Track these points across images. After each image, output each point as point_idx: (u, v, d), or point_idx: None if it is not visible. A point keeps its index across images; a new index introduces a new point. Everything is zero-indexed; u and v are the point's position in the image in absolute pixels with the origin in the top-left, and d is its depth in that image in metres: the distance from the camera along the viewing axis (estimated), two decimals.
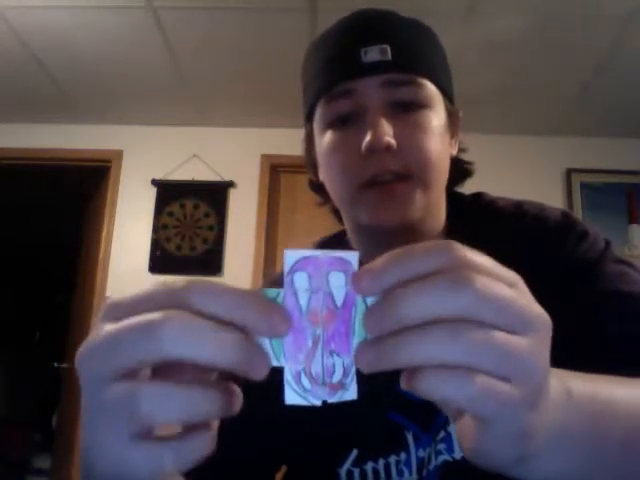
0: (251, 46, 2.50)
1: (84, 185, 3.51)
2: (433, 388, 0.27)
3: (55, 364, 3.88)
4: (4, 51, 2.58)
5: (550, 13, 2.22)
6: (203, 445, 0.29)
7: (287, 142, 3.11)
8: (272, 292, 0.30)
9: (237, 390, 0.30)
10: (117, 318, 0.29)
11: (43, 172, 3.57)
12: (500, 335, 0.27)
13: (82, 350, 0.29)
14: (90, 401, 0.29)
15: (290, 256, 0.29)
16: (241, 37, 2.43)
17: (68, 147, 3.20)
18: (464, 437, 0.31)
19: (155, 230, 3.07)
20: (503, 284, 0.28)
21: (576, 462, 0.34)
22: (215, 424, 0.31)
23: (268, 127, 3.18)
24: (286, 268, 0.30)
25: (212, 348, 0.27)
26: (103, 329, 0.29)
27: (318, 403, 0.30)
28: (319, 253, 0.29)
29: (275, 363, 0.29)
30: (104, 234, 3.11)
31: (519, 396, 0.28)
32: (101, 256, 3.07)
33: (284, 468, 0.70)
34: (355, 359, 0.29)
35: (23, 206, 4.60)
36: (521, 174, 3.00)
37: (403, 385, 0.28)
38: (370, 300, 0.29)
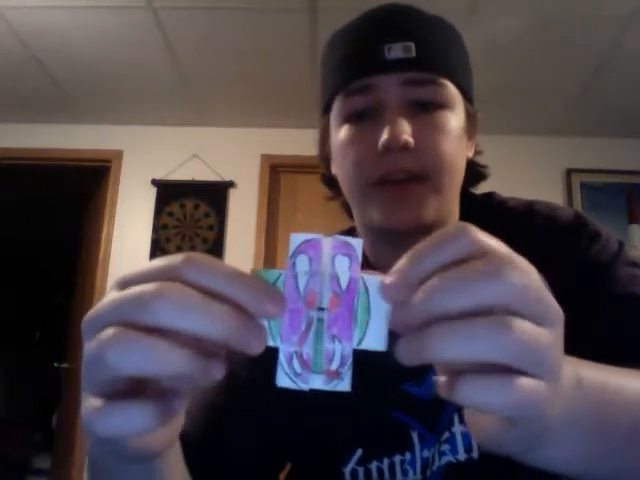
0: (251, 46, 2.50)
1: (84, 185, 3.51)
2: (475, 397, 0.27)
3: (55, 364, 3.87)
4: (4, 51, 2.58)
5: (550, 13, 2.22)
6: (159, 412, 0.28)
7: (287, 142, 3.11)
8: (272, 274, 0.30)
9: (218, 359, 0.29)
10: (121, 289, 0.30)
11: (43, 172, 3.56)
12: (539, 332, 0.27)
13: (86, 316, 0.30)
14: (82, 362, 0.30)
15: (294, 239, 0.30)
16: (241, 37, 2.43)
17: (68, 147, 3.20)
18: (480, 429, 0.31)
19: (155, 230, 3.07)
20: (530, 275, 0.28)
21: (584, 449, 0.34)
22: (186, 395, 0.31)
23: (268, 127, 3.18)
24: (290, 251, 0.30)
25: (200, 319, 0.27)
26: (106, 297, 0.30)
27: (306, 388, 0.29)
28: (322, 237, 0.30)
29: (271, 343, 0.29)
30: (104, 234, 3.10)
31: (547, 393, 0.28)
32: (101, 256, 3.07)
33: (287, 467, 0.70)
34: (397, 351, 0.28)
35: (23, 206, 4.59)
36: (521, 174, 3.00)
37: (442, 393, 0.28)
38: (373, 289, 0.29)
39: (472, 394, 0.27)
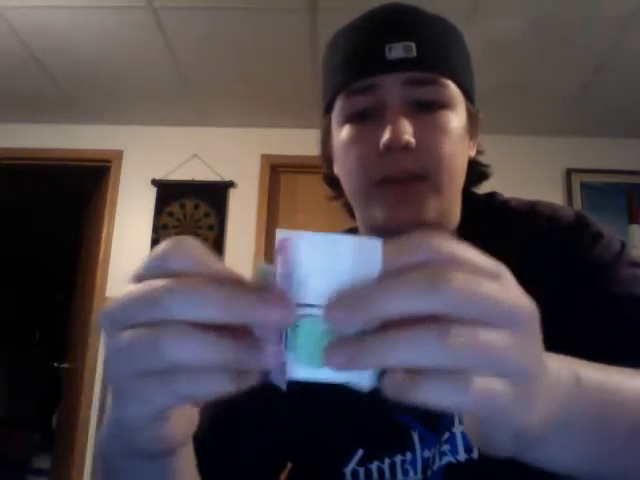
0: (251, 46, 2.50)
1: (84, 185, 3.51)
2: (428, 396, 0.26)
3: (55, 364, 3.88)
4: (4, 51, 2.58)
5: (550, 13, 2.22)
6: (219, 381, 0.28)
7: (287, 142, 3.11)
8: (264, 268, 0.30)
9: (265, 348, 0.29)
10: (137, 282, 0.30)
11: (43, 172, 3.57)
12: (484, 334, 0.26)
13: (104, 310, 0.30)
14: (108, 349, 0.30)
15: (278, 236, 0.29)
16: (241, 37, 2.43)
17: (68, 147, 3.20)
18: (470, 429, 0.32)
19: (155, 230, 3.07)
20: (484, 278, 0.27)
21: (584, 448, 0.34)
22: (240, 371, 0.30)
23: (268, 127, 3.18)
24: (275, 247, 0.30)
25: (219, 304, 0.27)
26: (123, 293, 0.30)
27: (282, 384, 0.29)
28: (304, 234, 0.29)
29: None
30: (104, 234, 3.10)
31: (511, 393, 0.28)
32: (101, 256, 3.07)
33: (288, 467, 0.70)
34: (326, 356, 0.27)
35: (23, 206, 4.59)
36: (521, 174, 3.00)
37: (392, 393, 0.27)
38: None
39: (423, 394, 0.26)
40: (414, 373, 0.27)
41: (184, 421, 0.34)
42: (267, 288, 0.29)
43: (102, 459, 0.40)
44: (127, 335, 0.29)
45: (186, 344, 0.27)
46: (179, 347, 0.27)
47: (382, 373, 0.28)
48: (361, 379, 0.29)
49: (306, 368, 0.29)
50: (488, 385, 0.27)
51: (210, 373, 0.28)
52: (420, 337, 0.26)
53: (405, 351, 0.26)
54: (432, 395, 0.26)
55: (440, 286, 0.26)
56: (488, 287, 0.27)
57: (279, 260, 0.29)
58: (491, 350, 0.26)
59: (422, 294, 0.26)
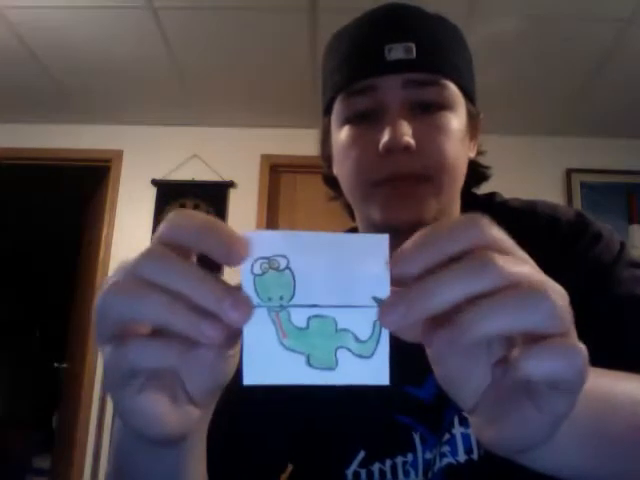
0: (251, 46, 2.50)
1: (84, 185, 3.51)
2: (546, 363, 0.27)
3: (55, 364, 3.88)
4: (4, 51, 2.57)
5: (550, 13, 2.22)
6: (164, 350, 0.30)
7: (287, 142, 3.11)
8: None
9: (213, 320, 0.30)
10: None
11: (43, 172, 3.57)
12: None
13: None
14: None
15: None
16: (241, 37, 2.43)
17: (68, 147, 3.20)
18: (489, 424, 0.31)
19: (155, 230, 3.06)
20: (522, 260, 0.29)
21: (579, 451, 0.34)
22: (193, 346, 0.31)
23: (268, 127, 3.18)
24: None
25: (181, 280, 0.30)
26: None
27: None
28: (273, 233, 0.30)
29: None
30: (104, 234, 3.10)
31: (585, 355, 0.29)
32: (101, 256, 3.07)
33: (289, 469, 0.70)
34: (431, 345, 0.29)
35: (23, 206, 4.59)
36: (521, 174, 3.00)
37: (502, 372, 0.29)
38: None
39: (538, 363, 0.27)
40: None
41: (174, 413, 0.33)
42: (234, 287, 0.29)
43: (114, 448, 0.40)
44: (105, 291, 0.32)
45: (137, 304, 0.30)
46: (130, 307, 0.30)
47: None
48: (376, 377, 0.29)
49: (319, 371, 0.29)
50: (583, 346, 0.28)
51: (158, 342, 0.30)
52: (516, 300, 0.27)
53: (507, 316, 0.27)
54: (549, 360, 0.27)
55: (486, 269, 0.27)
56: (528, 268, 0.29)
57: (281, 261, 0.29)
58: (568, 310, 0.28)
59: (474, 278, 0.27)
